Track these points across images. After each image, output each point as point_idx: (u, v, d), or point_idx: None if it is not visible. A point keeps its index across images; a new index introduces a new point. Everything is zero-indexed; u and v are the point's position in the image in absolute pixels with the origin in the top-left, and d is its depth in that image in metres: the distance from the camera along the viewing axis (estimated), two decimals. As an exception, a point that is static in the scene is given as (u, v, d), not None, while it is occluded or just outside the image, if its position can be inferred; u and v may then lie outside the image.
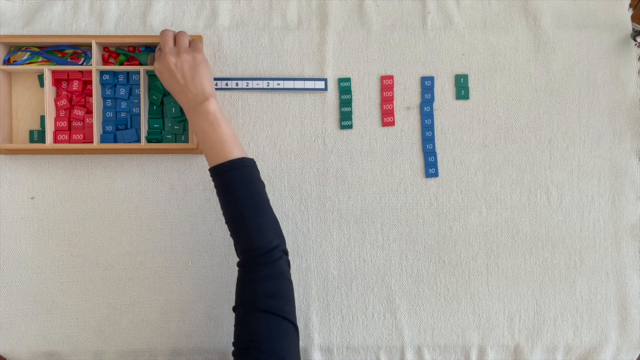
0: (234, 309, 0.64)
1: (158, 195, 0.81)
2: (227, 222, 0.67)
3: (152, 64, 0.80)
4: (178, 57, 0.69)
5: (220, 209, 0.67)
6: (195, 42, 0.73)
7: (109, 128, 0.80)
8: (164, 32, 0.71)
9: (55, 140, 0.79)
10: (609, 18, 0.83)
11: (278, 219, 0.79)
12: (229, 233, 0.81)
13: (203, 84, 0.69)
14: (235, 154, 0.67)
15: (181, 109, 0.79)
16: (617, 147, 0.83)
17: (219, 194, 0.67)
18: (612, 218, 0.82)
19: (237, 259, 0.66)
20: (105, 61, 0.81)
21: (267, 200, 0.68)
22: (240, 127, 0.82)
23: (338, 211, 0.81)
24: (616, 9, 0.83)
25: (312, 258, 0.81)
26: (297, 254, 0.81)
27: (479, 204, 0.82)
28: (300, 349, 0.80)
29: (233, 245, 0.67)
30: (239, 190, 0.65)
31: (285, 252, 0.67)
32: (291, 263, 0.81)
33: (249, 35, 0.82)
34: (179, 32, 0.73)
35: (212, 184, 0.80)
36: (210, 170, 0.68)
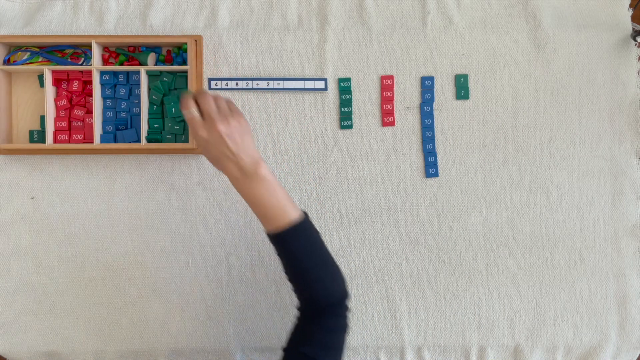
0: (285, 349, 0.63)
1: (158, 195, 0.81)
2: (290, 279, 0.65)
3: (152, 63, 0.80)
4: (227, 124, 0.62)
5: (282, 265, 0.65)
6: (232, 104, 0.66)
7: (109, 128, 0.80)
8: (204, 97, 0.63)
9: (55, 140, 0.79)
10: (609, 18, 0.83)
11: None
12: (229, 233, 0.81)
13: (253, 149, 0.64)
14: (294, 216, 0.63)
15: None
16: (617, 147, 0.83)
17: (282, 256, 0.65)
18: (612, 218, 0.82)
19: (284, 283, 0.65)
20: (105, 61, 0.81)
21: (328, 252, 0.66)
22: (240, 127, 0.81)
23: (338, 211, 0.81)
24: (616, 9, 0.83)
25: (312, 258, 0.81)
26: (297, 254, 0.81)
27: (479, 204, 0.82)
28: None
29: (292, 290, 0.66)
30: (305, 253, 0.64)
31: (348, 304, 0.66)
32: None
33: (249, 35, 0.82)
34: (216, 96, 0.65)
35: (212, 183, 0.81)
36: (271, 236, 0.64)
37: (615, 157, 0.83)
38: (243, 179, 0.62)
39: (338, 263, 0.82)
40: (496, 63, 0.83)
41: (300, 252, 0.63)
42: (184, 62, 0.80)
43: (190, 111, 0.63)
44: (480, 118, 0.82)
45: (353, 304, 0.81)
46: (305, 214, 0.65)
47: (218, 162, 0.63)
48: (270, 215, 0.63)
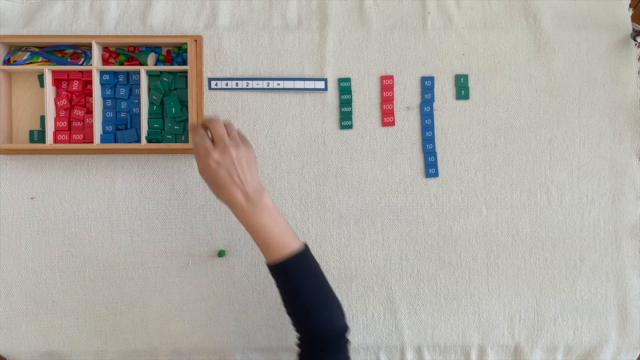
0: None
1: (158, 195, 0.81)
2: (290, 312, 0.65)
3: (152, 63, 0.80)
4: (238, 150, 0.63)
5: (282, 299, 0.66)
6: (240, 132, 0.67)
7: (109, 128, 0.80)
8: (216, 122, 0.64)
9: (55, 140, 0.79)
10: (609, 18, 0.83)
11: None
12: (229, 233, 0.81)
13: (258, 178, 0.65)
14: (296, 246, 0.64)
15: (181, 109, 0.79)
16: (617, 147, 0.83)
17: (283, 287, 0.65)
18: (612, 218, 0.82)
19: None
20: (105, 61, 0.81)
21: (329, 284, 0.66)
22: (240, 127, 0.82)
23: (338, 211, 0.81)
24: (616, 9, 0.83)
25: (312, 258, 0.81)
26: (297, 254, 0.81)
27: (479, 204, 0.82)
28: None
29: (292, 324, 0.66)
30: (307, 283, 0.64)
31: (348, 341, 0.66)
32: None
33: (249, 35, 0.82)
34: (227, 122, 0.66)
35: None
36: (273, 266, 0.64)
37: (615, 157, 0.83)
38: (248, 207, 0.63)
39: (338, 263, 0.82)
40: (496, 63, 0.83)
41: (302, 282, 0.63)
42: (184, 62, 0.80)
43: (202, 135, 0.63)
44: (480, 118, 0.82)
45: (353, 303, 0.81)
46: (306, 245, 0.65)
47: (225, 189, 0.63)
48: (273, 245, 0.63)
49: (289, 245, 0.63)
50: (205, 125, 0.65)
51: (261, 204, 0.63)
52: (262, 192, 0.64)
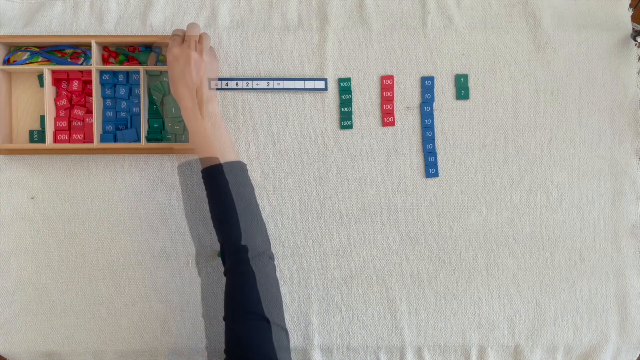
0: (224, 318, 0.64)
1: (158, 195, 0.81)
2: (215, 224, 0.68)
3: (152, 62, 0.80)
4: (199, 55, 0.70)
5: (209, 211, 0.68)
6: (213, 49, 0.76)
7: (109, 128, 0.80)
8: (192, 25, 0.71)
9: (55, 140, 0.79)
10: (609, 18, 0.83)
11: (278, 218, 0.79)
12: (228, 233, 0.81)
13: (211, 89, 0.71)
14: (231, 157, 0.68)
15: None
16: (617, 147, 0.83)
17: (211, 195, 0.68)
18: (612, 218, 0.82)
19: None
20: (105, 61, 0.81)
21: (257, 205, 0.69)
22: (240, 127, 0.82)
23: (338, 211, 0.81)
24: (616, 9, 0.83)
25: (312, 258, 0.81)
26: (297, 254, 0.81)
27: (479, 204, 0.82)
28: (300, 349, 0.80)
29: (220, 250, 0.67)
30: (233, 193, 0.66)
31: (271, 257, 0.68)
32: (291, 263, 0.81)
33: (249, 35, 0.82)
34: (204, 33, 0.73)
35: (212, 183, 0.81)
36: (205, 170, 0.68)
37: (615, 157, 0.83)
38: (192, 110, 0.69)
39: (338, 263, 0.82)
40: (496, 63, 0.83)
41: (228, 190, 0.66)
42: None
43: (177, 30, 0.72)
44: (480, 118, 0.82)
45: (353, 303, 0.81)
46: (244, 164, 0.69)
47: (177, 85, 0.69)
48: (209, 152, 0.67)
49: (225, 156, 0.67)
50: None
51: (206, 108, 0.69)
52: (210, 100, 0.69)
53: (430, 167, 0.82)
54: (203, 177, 0.69)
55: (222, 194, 0.66)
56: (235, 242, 0.65)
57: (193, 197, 0.81)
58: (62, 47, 0.80)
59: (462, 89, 0.82)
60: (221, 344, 0.80)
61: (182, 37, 0.72)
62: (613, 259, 0.82)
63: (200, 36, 0.72)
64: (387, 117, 0.82)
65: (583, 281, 0.82)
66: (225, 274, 0.66)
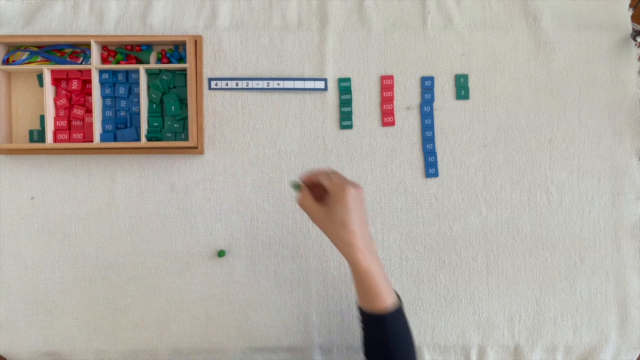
0: None
1: (158, 195, 0.81)
2: (367, 353, 0.65)
3: (153, 61, 0.80)
4: (361, 191, 0.65)
5: (363, 338, 0.66)
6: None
7: (109, 127, 0.80)
8: (334, 172, 0.67)
9: (55, 140, 0.79)
10: (609, 18, 0.83)
11: (278, 218, 0.79)
12: (229, 233, 0.81)
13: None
14: (393, 298, 0.64)
15: (180, 107, 0.79)
16: (617, 147, 0.83)
17: (371, 335, 0.64)
18: (612, 218, 0.82)
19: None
20: (104, 60, 0.81)
21: (413, 341, 0.66)
22: (240, 127, 0.81)
23: (338, 211, 0.81)
24: (616, 9, 0.83)
25: (312, 258, 0.81)
26: (297, 254, 0.81)
27: (479, 204, 0.82)
28: (300, 349, 0.80)
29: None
30: (396, 338, 0.63)
31: None
32: (291, 263, 0.81)
33: (249, 35, 0.82)
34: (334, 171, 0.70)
35: (212, 184, 0.81)
36: (368, 314, 0.64)
37: (615, 157, 0.83)
38: (364, 248, 0.62)
39: (338, 263, 0.82)
40: (496, 63, 0.83)
41: (392, 335, 0.63)
42: (180, 60, 0.80)
43: (326, 171, 0.65)
44: (480, 118, 0.82)
45: (353, 303, 0.81)
46: (400, 299, 0.66)
47: (355, 225, 0.62)
48: (377, 293, 0.62)
49: (390, 297, 0.63)
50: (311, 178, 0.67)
51: (372, 248, 0.64)
52: (371, 236, 0.65)
53: (430, 167, 0.82)
54: (364, 315, 0.64)
55: (382, 338, 0.63)
56: None
57: (193, 197, 0.81)
58: (61, 46, 0.80)
59: (462, 89, 0.82)
60: (221, 344, 0.81)
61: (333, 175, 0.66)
62: (613, 259, 0.82)
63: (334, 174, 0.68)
64: (387, 117, 0.82)
65: (583, 281, 0.82)
66: None
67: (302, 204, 0.66)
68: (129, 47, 0.80)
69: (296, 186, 0.67)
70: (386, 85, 0.82)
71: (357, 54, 0.82)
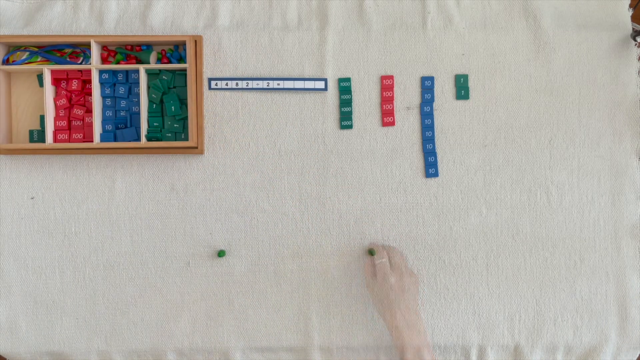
0: None
1: (158, 195, 0.81)
2: None
3: (154, 61, 0.80)
4: (411, 278, 0.76)
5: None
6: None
7: (109, 127, 0.80)
8: (394, 252, 0.77)
9: (55, 140, 0.79)
10: (609, 18, 0.83)
11: (278, 218, 0.79)
12: (229, 233, 0.81)
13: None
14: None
15: (180, 107, 0.79)
16: (617, 147, 0.83)
17: None
18: (612, 218, 0.82)
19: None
20: (104, 60, 0.81)
21: None
22: (240, 127, 0.82)
23: (338, 211, 0.81)
24: (616, 9, 0.83)
25: (312, 258, 0.81)
26: (297, 254, 0.81)
27: (479, 204, 0.82)
28: (300, 349, 0.80)
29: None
30: None
31: None
32: (291, 263, 0.81)
33: (249, 35, 0.82)
34: (400, 252, 0.79)
35: (212, 184, 0.81)
36: None
37: (615, 157, 0.83)
38: (413, 329, 0.71)
39: (338, 263, 0.82)
40: (496, 63, 0.83)
41: None
42: (180, 60, 0.80)
43: (382, 258, 0.75)
44: (480, 118, 0.82)
45: (353, 303, 0.81)
46: None
47: (415, 310, 0.72)
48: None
49: None
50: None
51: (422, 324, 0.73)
52: (418, 316, 0.73)
53: (430, 167, 0.82)
54: None
55: None
56: None
57: (193, 197, 0.81)
58: (61, 46, 0.80)
59: (462, 89, 0.82)
60: (221, 344, 0.81)
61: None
62: (613, 259, 0.82)
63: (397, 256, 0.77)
64: (387, 117, 0.82)
65: (583, 281, 0.82)
66: None
67: (366, 272, 0.76)
68: (129, 47, 0.81)
69: (372, 252, 0.77)
70: (386, 85, 0.82)
71: (357, 54, 0.82)
